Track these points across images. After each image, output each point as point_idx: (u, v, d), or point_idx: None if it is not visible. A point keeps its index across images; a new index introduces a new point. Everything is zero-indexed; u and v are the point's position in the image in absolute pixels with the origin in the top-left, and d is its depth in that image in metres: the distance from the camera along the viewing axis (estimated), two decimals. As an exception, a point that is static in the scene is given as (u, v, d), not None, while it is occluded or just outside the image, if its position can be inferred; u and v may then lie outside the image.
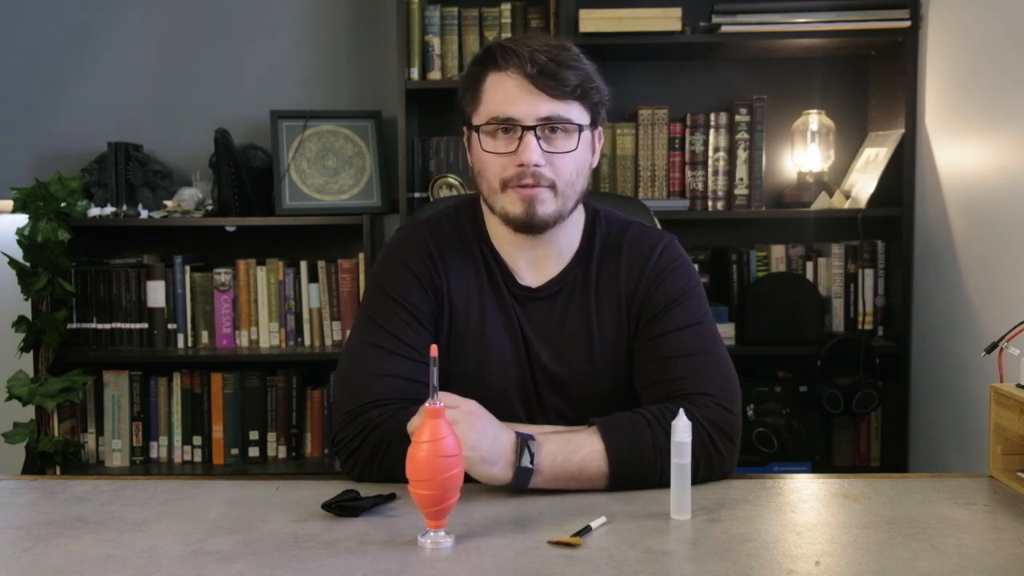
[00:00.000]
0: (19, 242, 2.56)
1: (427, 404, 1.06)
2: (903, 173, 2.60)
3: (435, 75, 2.70)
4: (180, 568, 0.99)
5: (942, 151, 2.47)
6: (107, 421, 2.79)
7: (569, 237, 1.44)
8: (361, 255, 2.71)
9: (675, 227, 1.73)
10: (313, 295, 2.77)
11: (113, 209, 2.70)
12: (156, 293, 2.74)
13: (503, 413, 1.36)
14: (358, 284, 2.74)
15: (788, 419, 2.60)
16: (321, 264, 2.76)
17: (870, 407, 2.60)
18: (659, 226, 1.67)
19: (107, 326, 2.74)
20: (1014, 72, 2.10)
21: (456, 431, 1.07)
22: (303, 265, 2.76)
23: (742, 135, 2.70)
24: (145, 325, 2.74)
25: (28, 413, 2.68)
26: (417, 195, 2.76)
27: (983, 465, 1.33)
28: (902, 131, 2.60)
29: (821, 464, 2.74)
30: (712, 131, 2.72)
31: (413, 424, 1.17)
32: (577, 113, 1.35)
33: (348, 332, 1.58)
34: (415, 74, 2.68)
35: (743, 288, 2.73)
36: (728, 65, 2.88)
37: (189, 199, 2.73)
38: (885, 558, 1.01)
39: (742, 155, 2.70)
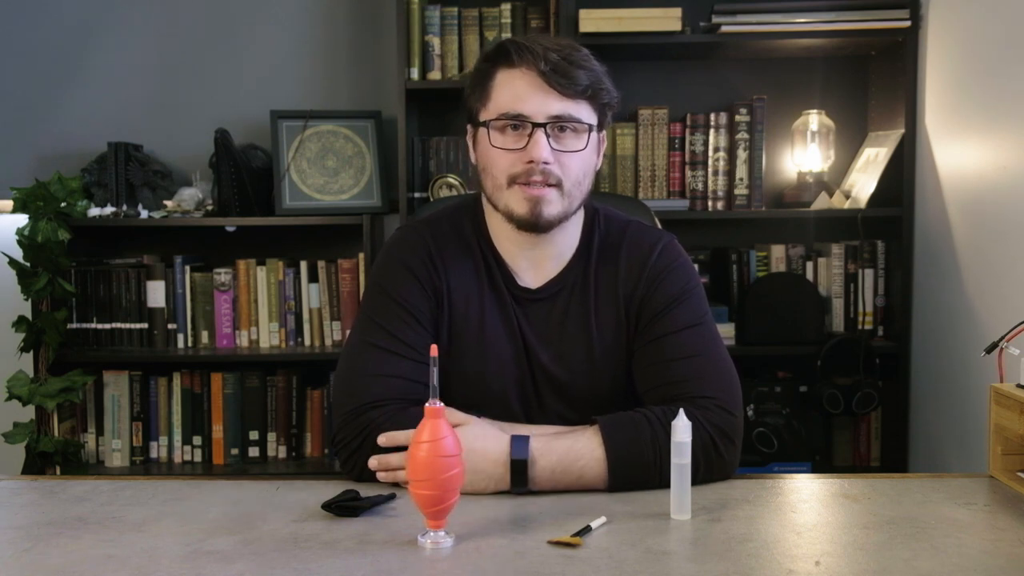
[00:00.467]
0: (19, 242, 2.56)
1: (427, 404, 1.06)
2: (903, 173, 2.59)
3: (435, 75, 2.70)
4: (180, 568, 0.99)
5: (942, 151, 2.47)
6: (107, 421, 2.79)
7: (569, 237, 1.44)
8: (361, 255, 2.71)
9: (675, 227, 1.73)
10: (313, 295, 2.77)
11: (113, 209, 2.70)
12: (156, 293, 2.74)
13: (502, 414, 1.36)
14: (358, 284, 2.74)
15: (788, 419, 2.60)
16: (321, 264, 2.76)
17: (870, 407, 2.60)
18: (659, 226, 1.67)
19: (107, 326, 2.74)
20: (1014, 72, 2.10)
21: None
22: (303, 265, 2.76)
23: (742, 135, 2.70)
24: (145, 325, 2.74)
25: (28, 413, 2.68)
26: (417, 195, 2.76)
27: (983, 465, 1.33)
28: (902, 131, 2.60)
29: (821, 464, 2.74)
30: (712, 131, 2.72)
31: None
32: (587, 113, 1.35)
33: (348, 332, 1.58)
34: (415, 74, 2.68)
35: (743, 288, 2.73)
36: (728, 65, 2.88)
37: (189, 199, 2.73)
38: (885, 558, 1.01)
39: (742, 155, 2.70)
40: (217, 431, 2.78)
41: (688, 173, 2.73)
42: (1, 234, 2.71)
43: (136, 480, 1.33)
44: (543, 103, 1.32)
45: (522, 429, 1.30)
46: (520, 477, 1.22)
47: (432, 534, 1.06)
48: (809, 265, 2.74)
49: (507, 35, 2.69)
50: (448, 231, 1.45)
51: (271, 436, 2.80)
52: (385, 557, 1.02)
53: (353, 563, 1.00)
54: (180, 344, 2.75)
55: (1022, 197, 2.07)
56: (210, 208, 2.75)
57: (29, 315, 2.60)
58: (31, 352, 2.61)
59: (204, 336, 2.76)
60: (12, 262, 2.57)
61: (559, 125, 1.33)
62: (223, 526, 1.12)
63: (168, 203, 2.76)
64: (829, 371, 2.64)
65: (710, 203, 2.73)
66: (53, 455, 2.59)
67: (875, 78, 2.81)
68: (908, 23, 2.56)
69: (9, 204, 2.61)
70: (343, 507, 1.15)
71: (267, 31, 2.91)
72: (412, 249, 1.43)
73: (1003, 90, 2.15)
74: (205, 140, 2.72)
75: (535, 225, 1.35)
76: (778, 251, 2.75)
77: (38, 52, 2.90)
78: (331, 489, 1.21)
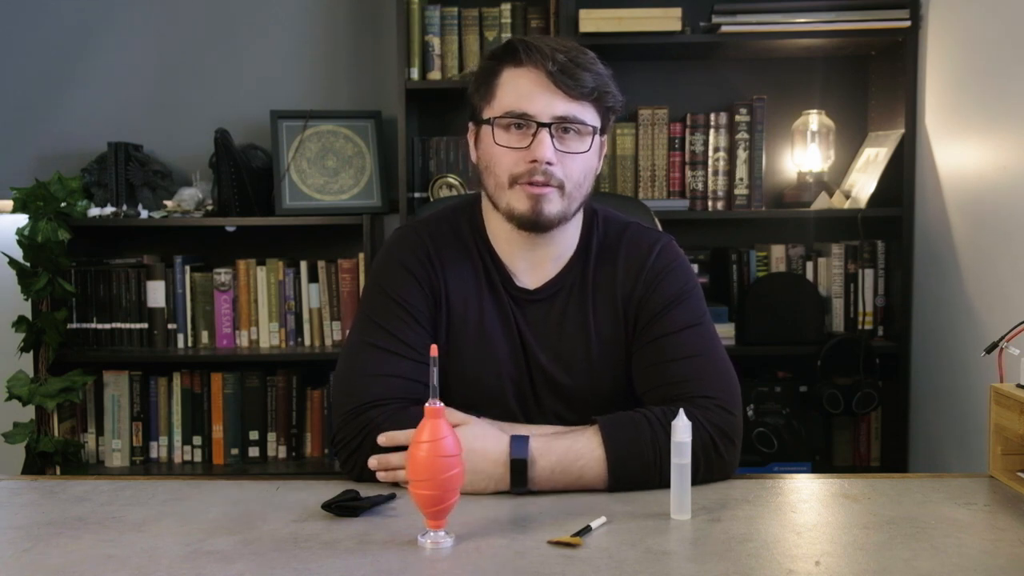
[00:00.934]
0: (19, 242, 2.56)
1: (427, 404, 1.06)
2: (903, 173, 2.59)
3: (435, 75, 2.70)
4: (180, 568, 0.99)
5: (942, 151, 2.47)
6: (107, 421, 2.79)
7: (568, 238, 1.44)
8: (361, 255, 2.71)
9: (675, 227, 1.73)
10: (313, 295, 2.77)
11: (113, 209, 2.70)
12: (156, 293, 2.74)
13: (500, 414, 1.36)
14: (358, 284, 2.74)
15: (788, 419, 2.60)
16: (321, 264, 2.76)
17: (870, 407, 2.60)
18: (659, 226, 1.67)
19: (107, 326, 2.74)
20: (1014, 72, 2.10)
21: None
22: (303, 265, 2.76)
23: (742, 135, 2.70)
24: (145, 325, 2.74)
25: (28, 413, 2.68)
26: (417, 195, 2.76)
27: (983, 465, 1.33)
28: (902, 131, 2.60)
29: (821, 464, 2.74)
30: (712, 131, 2.72)
31: None
32: (591, 116, 1.35)
33: (347, 332, 1.58)
34: (415, 74, 2.68)
35: (743, 288, 2.73)
36: (728, 65, 2.88)
37: (189, 199, 2.73)
38: (885, 558, 1.01)
39: (742, 155, 2.70)
40: (217, 431, 2.78)
41: (688, 173, 2.73)
42: (1, 234, 2.71)
43: (136, 480, 1.33)
44: (549, 103, 1.32)
45: (522, 429, 1.30)
46: (520, 477, 1.22)
47: (432, 534, 1.06)
48: (809, 265, 2.74)
49: (507, 35, 2.69)
50: (447, 232, 1.45)
51: (271, 436, 2.80)
52: (385, 557, 1.02)
53: (353, 563, 1.00)
54: (180, 344, 2.75)
55: (1022, 197, 2.07)
56: (210, 208, 2.75)
57: (29, 315, 2.60)
58: (31, 352, 2.61)
59: (204, 336, 2.76)
60: (12, 262, 2.57)
61: (563, 126, 1.33)
62: (223, 526, 1.12)
63: (168, 203, 2.76)
64: (829, 371, 2.64)
65: (710, 203, 2.73)
66: (53, 455, 2.59)
67: (875, 78, 2.81)
68: (908, 23, 2.56)
69: (9, 204, 2.61)
70: (343, 507, 1.15)
71: (267, 31, 2.91)
72: (411, 249, 1.43)
73: (1003, 90, 2.15)
74: (205, 140, 2.72)
75: (535, 224, 1.35)
76: (778, 251, 2.75)
77: (38, 52, 2.90)
78: (331, 489, 1.21)
